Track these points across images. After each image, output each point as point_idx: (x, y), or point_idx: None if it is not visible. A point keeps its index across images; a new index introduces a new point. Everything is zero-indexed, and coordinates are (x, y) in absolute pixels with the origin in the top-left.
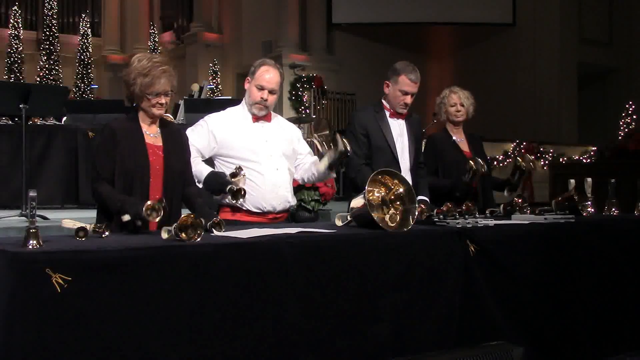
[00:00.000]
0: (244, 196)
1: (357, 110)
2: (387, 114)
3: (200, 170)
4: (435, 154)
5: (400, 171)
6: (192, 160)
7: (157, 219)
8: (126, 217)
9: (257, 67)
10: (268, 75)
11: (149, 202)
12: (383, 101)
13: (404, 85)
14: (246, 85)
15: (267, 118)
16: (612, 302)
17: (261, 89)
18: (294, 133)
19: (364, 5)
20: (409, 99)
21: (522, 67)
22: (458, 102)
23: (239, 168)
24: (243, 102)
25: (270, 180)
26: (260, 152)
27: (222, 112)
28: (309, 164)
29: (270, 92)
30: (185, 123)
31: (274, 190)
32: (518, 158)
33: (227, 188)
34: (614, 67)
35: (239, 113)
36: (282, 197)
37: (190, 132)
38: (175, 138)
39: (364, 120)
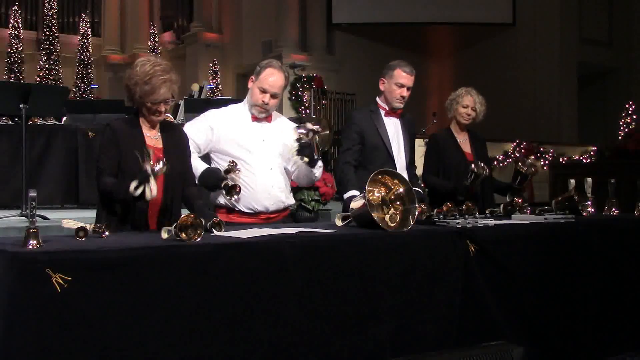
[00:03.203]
0: (238, 193)
1: (355, 110)
2: (382, 113)
3: (195, 166)
4: (437, 153)
5: (396, 169)
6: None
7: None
8: (134, 184)
9: (262, 69)
10: (272, 78)
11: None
12: (378, 100)
13: (399, 77)
14: (249, 85)
15: (267, 118)
16: (612, 302)
17: (264, 92)
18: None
19: (364, 5)
20: (405, 92)
21: (522, 67)
22: (471, 105)
23: (233, 163)
24: (245, 100)
25: (263, 180)
26: (255, 151)
27: (223, 107)
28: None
29: (272, 95)
30: (185, 123)
31: (267, 190)
32: (519, 162)
33: (222, 184)
34: (614, 67)
35: (239, 110)
36: (275, 197)
37: (189, 126)
38: (175, 139)
39: (360, 120)
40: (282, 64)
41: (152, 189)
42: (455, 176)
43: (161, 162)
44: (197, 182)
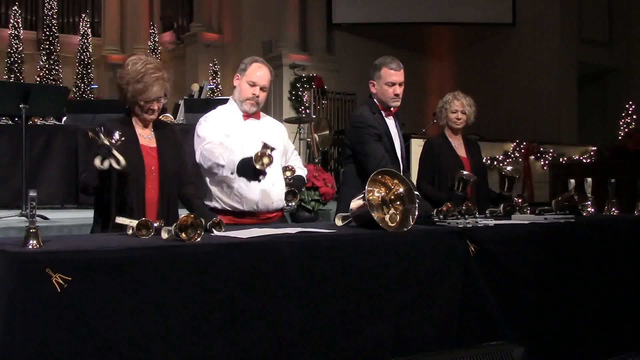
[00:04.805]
0: (270, 161)
1: (359, 112)
2: (384, 114)
3: (233, 160)
4: (432, 159)
5: (400, 171)
6: (222, 148)
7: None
8: (98, 159)
9: (247, 64)
10: (260, 72)
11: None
12: (375, 101)
13: (388, 76)
14: (235, 82)
15: (256, 116)
16: (612, 302)
17: (253, 85)
18: (283, 131)
19: (364, 5)
20: (398, 89)
21: (522, 67)
22: (460, 109)
23: (265, 147)
24: (231, 100)
25: (264, 178)
26: (254, 150)
27: (214, 111)
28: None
29: (262, 88)
30: (185, 123)
31: (268, 189)
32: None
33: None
34: (614, 67)
35: (230, 111)
36: (277, 196)
37: (202, 130)
38: (169, 139)
39: (373, 121)
40: (282, 64)
41: (119, 159)
42: (449, 184)
43: (117, 133)
44: (235, 175)
